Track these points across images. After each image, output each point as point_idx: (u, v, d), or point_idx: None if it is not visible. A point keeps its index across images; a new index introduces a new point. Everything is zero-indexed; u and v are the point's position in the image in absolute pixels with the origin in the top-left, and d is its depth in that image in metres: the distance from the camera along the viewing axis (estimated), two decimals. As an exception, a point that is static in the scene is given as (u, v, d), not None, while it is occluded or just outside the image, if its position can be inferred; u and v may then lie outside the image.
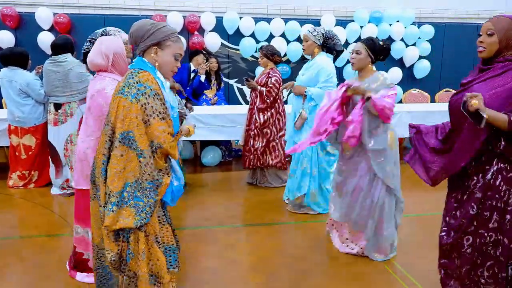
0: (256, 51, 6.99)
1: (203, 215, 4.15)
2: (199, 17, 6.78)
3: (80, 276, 2.95)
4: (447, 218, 2.39)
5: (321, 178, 4.07)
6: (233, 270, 3.14)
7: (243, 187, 5.09)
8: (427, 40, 7.45)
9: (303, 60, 7.18)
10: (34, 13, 6.37)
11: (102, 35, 3.34)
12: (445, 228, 2.39)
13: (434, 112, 5.93)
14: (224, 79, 6.98)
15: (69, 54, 4.57)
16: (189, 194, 4.68)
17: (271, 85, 4.71)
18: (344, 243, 3.45)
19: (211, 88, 6.05)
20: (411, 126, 2.61)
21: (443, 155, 2.38)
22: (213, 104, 6.03)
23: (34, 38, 6.34)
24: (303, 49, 4.03)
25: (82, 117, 4.53)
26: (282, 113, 4.87)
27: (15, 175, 4.88)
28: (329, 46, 3.93)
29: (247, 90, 7.23)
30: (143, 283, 2.19)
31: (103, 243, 2.19)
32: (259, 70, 7.02)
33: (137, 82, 2.04)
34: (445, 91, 7.39)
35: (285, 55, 7.09)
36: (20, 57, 4.76)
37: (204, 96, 5.98)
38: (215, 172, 5.71)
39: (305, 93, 3.93)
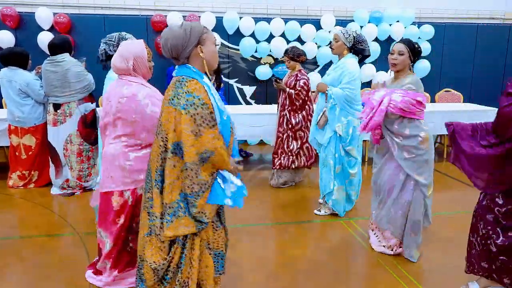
0: (255, 51, 6.99)
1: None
2: (199, 17, 6.78)
3: (92, 279, 2.92)
4: (491, 216, 2.52)
5: (345, 176, 4.09)
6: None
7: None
8: (427, 40, 7.45)
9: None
10: (34, 13, 6.37)
11: (119, 39, 3.46)
12: (490, 227, 2.51)
13: (434, 112, 5.93)
14: (224, 79, 6.98)
15: (67, 54, 4.58)
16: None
17: (299, 88, 4.71)
18: (380, 242, 3.46)
19: (211, 88, 6.05)
20: (448, 125, 2.68)
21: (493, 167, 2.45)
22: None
23: (34, 38, 6.34)
24: (332, 49, 4.02)
25: (81, 117, 4.59)
26: (312, 115, 4.88)
27: (15, 175, 4.89)
28: (358, 49, 3.93)
29: (247, 90, 7.25)
30: None
31: (145, 255, 2.18)
32: (259, 70, 7.03)
33: (186, 92, 2.01)
34: (445, 91, 7.39)
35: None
36: (20, 57, 4.76)
37: None
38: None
39: (326, 92, 3.95)
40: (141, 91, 2.59)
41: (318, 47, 7.11)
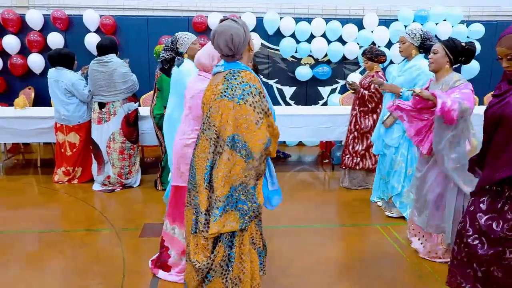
0: (296, 52, 6.93)
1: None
2: (240, 17, 6.78)
3: (163, 275, 2.97)
4: (477, 225, 2.23)
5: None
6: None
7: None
8: (477, 40, 7.11)
9: (344, 60, 7.07)
10: (82, 15, 6.62)
11: (172, 42, 3.77)
12: (476, 236, 2.23)
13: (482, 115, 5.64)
14: (264, 79, 6.97)
15: (114, 55, 4.72)
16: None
17: (373, 90, 4.62)
18: (425, 248, 3.35)
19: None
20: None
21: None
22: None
23: (81, 40, 6.60)
24: (400, 51, 3.95)
25: (125, 116, 4.72)
26: None
27: (60, 171, 5.09)
28: (427, 47, 3.82)
29: (287, 91, 7.20)
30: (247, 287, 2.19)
31: (189, 254, 2.19)
32: (299, 71, 6.97)
33: (241, 83, 2.03)
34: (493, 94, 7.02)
35: (326, 55, 6.99)
36: (66, 58, 4.95)
37: None
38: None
39: (400, 93, 3.85)
40: None
41: (360, 47, 6.95)
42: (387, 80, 4.59)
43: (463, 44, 3.05)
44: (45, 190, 4.90)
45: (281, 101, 7.21)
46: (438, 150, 3.00)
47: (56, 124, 5.02)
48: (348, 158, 4.87)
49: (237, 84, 2.01)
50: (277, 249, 3.46)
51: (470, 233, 2.25)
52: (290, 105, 7.19)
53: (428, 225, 3.23)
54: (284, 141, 7.00)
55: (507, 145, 2.09)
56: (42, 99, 6.53)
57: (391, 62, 6.90)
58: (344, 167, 4.95)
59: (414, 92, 3.03)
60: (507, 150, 2.09)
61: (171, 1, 6.98)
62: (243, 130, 2.00)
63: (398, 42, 4.01)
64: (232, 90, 2.01)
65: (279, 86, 7.18)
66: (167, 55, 3.78)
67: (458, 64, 3.13)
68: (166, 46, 3.83)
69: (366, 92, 4.64)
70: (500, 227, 2.14)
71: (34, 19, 6.56)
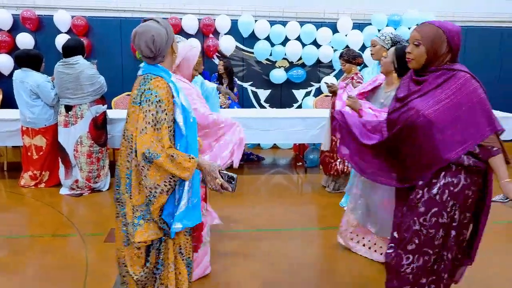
0: (270, 54, 6.94)
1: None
2: (214, 20, 6.78)
3: None
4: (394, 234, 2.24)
5: None
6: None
7: (259, 191, 5.05)
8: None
9: (318, 63, 7.10)
10: (53, 16, 6.49)
11: None
12: (392, 244, 2.23)
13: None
14: (239, 82, 6.95)
15: (80, 56, 4.62)
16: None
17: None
18: (372, 249, 3.34)
19: (223, 92, 6.03)
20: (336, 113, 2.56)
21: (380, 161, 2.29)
22: (224, 107, 6.00)
23: (52, 41, 6.47)
24: (372, 54, 3.99)
25: (93, 119, 4.63)
26: None
27: (26, 175, 4.96)
28: None
29: (261, 94, 7.20)
30: None
31: (126, 265, 2.12)
32: (273, 74, 6.98)
33: (147, 89, 1.94)
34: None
35: (300, 58, 7.02)
36: (34, 59, 4.83)
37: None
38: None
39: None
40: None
41: (334, 50, 7.00)
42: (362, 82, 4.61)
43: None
44: (11, 194, 4.78)
45: (255, 104, 7.20)
46: None
47: (22, 127, 4.89)
48: (340, 163, 4.76)
49: (144, 90, 1.94)
50: (251, 253, 3.44)
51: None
52: (265, 108, 7.19)
53: (382, 229, 3.19)
54: (259, 144, 6.99)
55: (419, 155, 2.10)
56: (10, 101, 6.34)
57: (365, 66, 6.96)
58: (334, 174, 4.84)
59: (348, 97, 3.05)
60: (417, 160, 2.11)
61: (145, 3, 6.91)
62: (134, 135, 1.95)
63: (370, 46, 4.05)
64: (140, 97, 1.95)
65: (253, 89, 7.17)
66: None
67: None
68: None
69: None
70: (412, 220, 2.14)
71: (3, 18, 6.41)
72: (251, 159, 6.33)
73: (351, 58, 4.66)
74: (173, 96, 1.96)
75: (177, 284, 2.13)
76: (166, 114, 1.91)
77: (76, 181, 4.73)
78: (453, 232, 2.07)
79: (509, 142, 3.92)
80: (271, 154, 6.88)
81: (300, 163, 6.19)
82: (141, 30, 1.98)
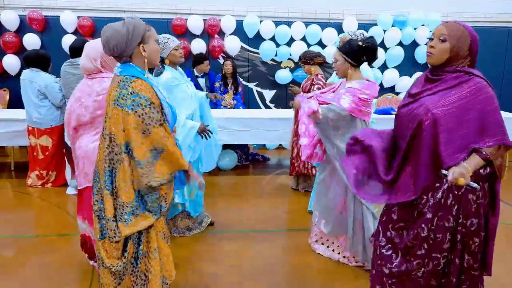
0: (275, 55, 6.94)
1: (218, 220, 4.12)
2: (220, 20, 6.79)
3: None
4: (389, 234, 2.22)
5: None
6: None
7: (263, 192, 5.05)
8: (454, 44, 7.20)
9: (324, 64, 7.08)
10: (59, 16, 6.53)
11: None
12: (390, 246, 2.21)
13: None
14: (244, 82, 6.96)
15: (87, 57, 4.64)
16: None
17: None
18: (335, 252, 3.35)
19: (228, 92, 6.04)
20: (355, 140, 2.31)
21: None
22: (230, 108, 6.00)
23: (58, 41, 6.51)
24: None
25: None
26: None
27: (33, 175, 5.00)
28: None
29: (267, 94, 7.20)
30: (155, 284, 2.20)
31: (104, 259, 2.18)
32: (279, 74, 6.98)
33: (131, 93, 1.99)
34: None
35: (305, 59, 7.01)
36: (43, 59, 4.86)
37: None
38: (232, 175, 5.68)
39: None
40: None
41: (340, 51, 6.98)
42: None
43: (360, 44, 2.97)
44: (18, 194, 4.81)
45: (261, 104, 7.21)
46: (333, 155, 3.06)
47: (28, 127, 4.92)
48: (299, 164, 4.79)
49: (128, 94, 1.99)
50: (253, 255, 3.44)
51: (383, 243, 2.25)
52: (270, 108, 7.19)
53: (332, 230, 3.24)
54: (264, 145, 6.98)
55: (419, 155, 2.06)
56: (17, 101, 6.38)
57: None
58: (295, 174, 4.90)
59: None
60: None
61: (150, 3, 6.93)
62: (131, 139, 2.01)
63: None
64: (123, 99, 2.00)
65: (259, 89, 7.18)
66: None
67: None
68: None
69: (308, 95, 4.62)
70: (406, 236, 2.14)
71: (10, 19, 6.46)
72: (257, 160, 6.34)
73: (309, 59, 4.64)
74: (156, 94, 2.09)
75: (166, 267, 2.23)
76: (158, 112, 2.06)
77: (82, 181, 4.75)
78: (459, 236, 2.05)
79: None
80: (277, 154, 6.88)
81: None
82: (103, 29, 2.06)
